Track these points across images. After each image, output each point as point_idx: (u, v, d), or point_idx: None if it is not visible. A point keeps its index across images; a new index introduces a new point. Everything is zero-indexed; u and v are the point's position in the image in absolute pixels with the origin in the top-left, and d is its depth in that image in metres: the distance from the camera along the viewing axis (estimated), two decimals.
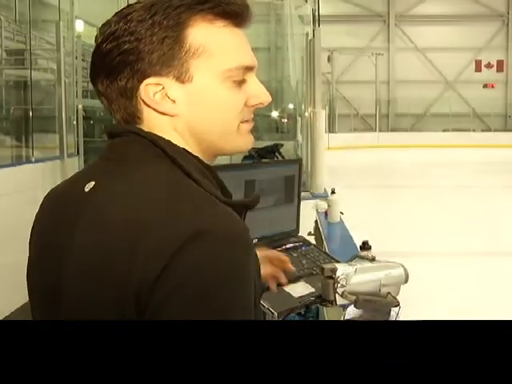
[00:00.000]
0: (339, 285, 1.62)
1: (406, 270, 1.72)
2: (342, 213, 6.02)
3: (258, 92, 1.21)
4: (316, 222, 6.31)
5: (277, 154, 11.28)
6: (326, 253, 2.74)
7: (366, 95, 34.76)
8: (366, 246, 3.34)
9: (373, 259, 3.18)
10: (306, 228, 6.56)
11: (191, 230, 0.99)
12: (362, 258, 1.78)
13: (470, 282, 7.34)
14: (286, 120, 17.86)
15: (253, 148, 11.22)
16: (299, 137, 12.47)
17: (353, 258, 1.77)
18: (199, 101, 1.16)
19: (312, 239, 5.25)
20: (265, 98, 1.22)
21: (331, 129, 33.25)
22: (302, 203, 7.32)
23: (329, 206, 5.86)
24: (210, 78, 1.15)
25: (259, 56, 1.24)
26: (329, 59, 33.79)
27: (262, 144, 11.63)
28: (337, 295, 1.63)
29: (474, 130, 35.13)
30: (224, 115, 1.18)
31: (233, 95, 1.17)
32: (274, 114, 18.55)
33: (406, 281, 1.72)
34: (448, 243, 9.46)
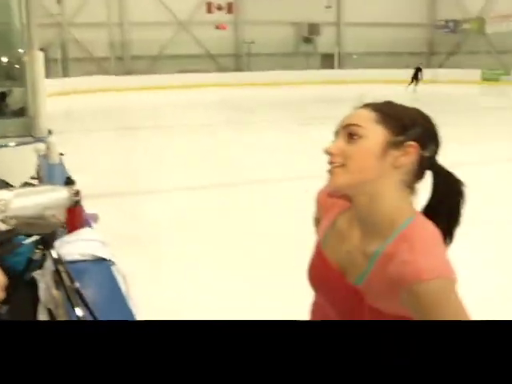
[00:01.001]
0: None
1: (69, 192, 1.79)
2: (62, 154, 5.95)
3: None
4: (38, 165, 6.17)
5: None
6: (8, 184, 2.72)
7: (100, 38, 33.97)
8: (69, 181, 3.36)
9: (76, 193, 3.24)
10: (29, 172, 6.38)
11: None
12: (31, 184, 1.81)
13: (207, 213, 7.59)
14: (15, 66, 16.82)
15: None
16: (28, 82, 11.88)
17: (22, 185, 1.80)
18: None
19: (36, 182, 5.15)
20: None
21: (65, 73, 32.09)
22: (24, 147, 7.09)
23: (47, 148, 5.75)
24: None
25: None
26: (59, 1, 32.25)
27: None
28: None
29: (207, 71, 36.18)
30: None
31: None
32: (4, 59, 17.38)
33: (70, 203, 1.79)
34: (185, 179, 9.73)
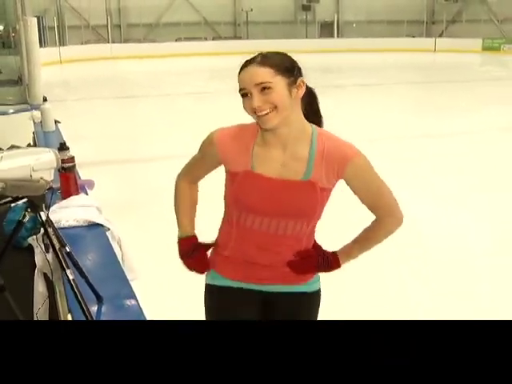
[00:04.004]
0: None
1: (56, 154, 1.77)
2: (58, 121, 5.92)
3: None
4: (34, 132, 6.14)
5: None
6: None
7: (96, 5, 33.61)
8: (63, 147, 3.35)
9: (71, 159, 3.22)
10: (25, 139, 6.36)
11: None
12: (17, 147, 1.79)
13: (205, 181, 7.50)
14: (12, 34, 16.82)
15: None
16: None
17: (9, 147, 1.78)
18: None
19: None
20: None
21: (62, 41, 31.81)
22: (20, 115, 7.03)
23: (42, 115, 5.70)
24: None
25: None
26: None
27: None
28: None
29: (205, 39, 35.94)
30: None
31: None
32: (0, 27, 17.35)
33: (58, 165, 1.77)
34: (184, 146, 9.65)
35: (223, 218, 2.13)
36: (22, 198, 1.72)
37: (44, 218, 1.74)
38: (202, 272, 2.15)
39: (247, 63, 1.88)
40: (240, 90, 1.87)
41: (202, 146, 2.07)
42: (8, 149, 1.68)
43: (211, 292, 2.14)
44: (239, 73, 1.88)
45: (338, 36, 38.16)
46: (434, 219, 5.79)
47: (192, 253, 2.13)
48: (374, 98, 15.15)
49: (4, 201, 1.83)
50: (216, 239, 2.14)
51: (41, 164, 1.73)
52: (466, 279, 4.49)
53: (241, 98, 1.88)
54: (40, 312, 2.79)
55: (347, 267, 2.07)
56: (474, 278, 4.53)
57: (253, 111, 1.85)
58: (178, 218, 2.19)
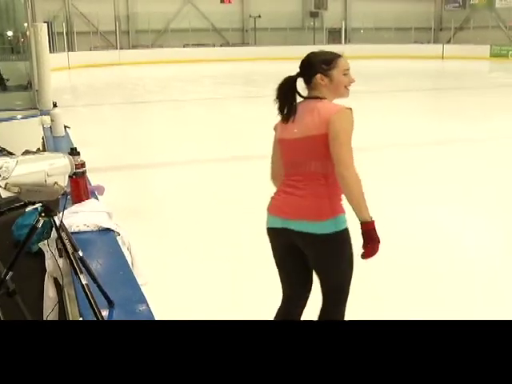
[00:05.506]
0: (0, 178, 1.64)
1: (70, 159, 1.77)
2: (67, 127, 5.93)
3: None
4: (43, 137, 6.15)
5: None
6: (10, 152, 2.71)
7: (105, 11, 33.77)
8: (74, 152, 3.36)
9: (81, 164, 3.22)
10: (35, 144, 6.37)
11: None
12: (31, 152, 1.81)
13: (214, 187, 7.49)
14: (21, 39, 16.90)
15: None
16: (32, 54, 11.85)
17: (23, 152, 1.80)
18: None
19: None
20: None
21: (71, 47, 31.98)
22: (29, 121, 7.03)
23: (52, 120, 5.72)
24: None
25: None
26: None
27: None
28: (0, 188, 1.65)
29: (213, 45, 36.03)
30: None
31: None
32: (9, 33, 17.41)
33: (72, 170, 1.77)
34: (192, 152, 9.66)
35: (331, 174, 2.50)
36: (36, 202, 1.73)
37: (58, 222, 1.76)
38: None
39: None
40: (346, 69, 2.72)
41: (351, 125, 2.49)
42: (22, 154, 1.70)
43: (348, 233, 2.57)
44: (340, 58, 2.77)
45: (345, 42, 38.15)
46: (450, 225, 5.73)
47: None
48: (382, 105, 15.15)
49: (17, 205, 1.85)
50: (335, 191, 2.53)
51: (55, 169, 1.74)
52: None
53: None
54: (50, 317, 2.80)
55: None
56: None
57: (349, 84, 2.68)
58: (363, 204, 2.43)
